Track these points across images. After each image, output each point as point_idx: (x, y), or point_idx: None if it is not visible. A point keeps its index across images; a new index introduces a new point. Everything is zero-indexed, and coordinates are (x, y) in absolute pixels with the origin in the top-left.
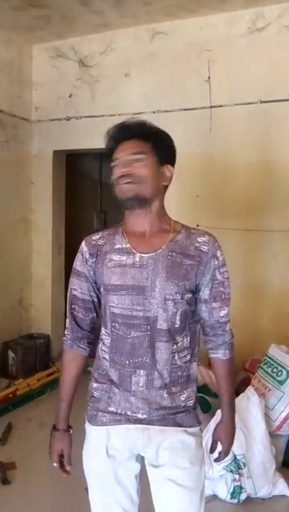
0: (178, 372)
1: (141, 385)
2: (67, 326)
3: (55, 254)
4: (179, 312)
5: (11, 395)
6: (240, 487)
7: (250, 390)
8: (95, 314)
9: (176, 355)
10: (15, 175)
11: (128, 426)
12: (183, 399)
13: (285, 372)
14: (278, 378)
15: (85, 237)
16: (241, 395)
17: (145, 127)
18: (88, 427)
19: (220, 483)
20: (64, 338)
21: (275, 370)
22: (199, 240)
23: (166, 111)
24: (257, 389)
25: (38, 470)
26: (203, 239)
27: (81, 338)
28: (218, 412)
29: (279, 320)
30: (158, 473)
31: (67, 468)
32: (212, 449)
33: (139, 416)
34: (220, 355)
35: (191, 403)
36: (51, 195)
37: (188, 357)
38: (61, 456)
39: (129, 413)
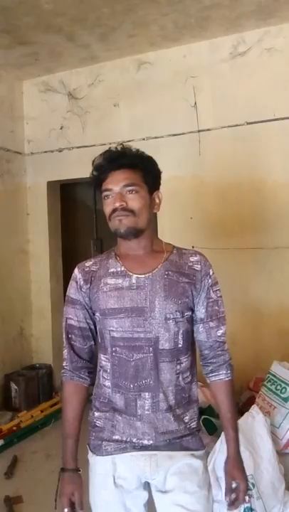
0: (181, 394)
1: (146, 408)
2: (64, 357)
3: (53, 283)
4: (181, 331)
5: (15, 428)
6: (251, 509)
7: (254, 409)
8: (93, 342)
9: (180, 376)
10: (11, 207)
11: (134, 453)
12: (186, 421)
13: (288, 389)
14: (282, 395)
15: (78, 265)
16: (246, 414)
17: (132, 156)
18: (92, 457)
19: None
20: (62, 370)
21: (278, 387)
22: (191, 259)
23: (155, 137)
24: (262, 407)
25: (45, 503)
26: (196, 258)
27: (81, 367)
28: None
29: (280, 337)
30: (166, 498)
31: None
32: (229, 490)
33: (145, 442)
34: (222, 375)
35: (194, 424)
36: (47, 225)
37: (190, 377)
38: (72, 499)
39: (134, 440)
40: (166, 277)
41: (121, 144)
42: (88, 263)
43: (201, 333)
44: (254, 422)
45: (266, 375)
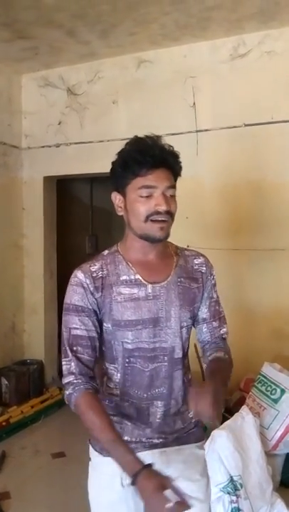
0: (185, 392)
1: (158, 416)
2: (71, 370)
3: (47, 278)
4: (188, 336)
5: (4, 423)
6: (238, 509)
7: (244, 410)
8: (97, 353)
9: (186, 379)
10: (6, 201)
11: (144, 453)
12: (190, 416)
13: (279, 390)
14: (272, 397)
15: (79, 268)
16: (236, 415)
17: (172, 155)
18: (98, 457)
19: (217, 505)
20: (71, 386)
21: (269, 388)
22: (196, 261)
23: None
24: (252, 408)
25: (33, 499)
26: (200, 260)
27: (91, 378)
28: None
29: (271, 338)
30: None
31: (186, 499)
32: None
33: (155, 441)
34: (221, 354)
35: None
36: (42, 221)
37: (189, 375)
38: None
39: (144, 440)
40: (179, 285)
41: (154, 135)
42: (94, 267)
43: (204, 333)
44: (243, 423)
45: (257, 376)
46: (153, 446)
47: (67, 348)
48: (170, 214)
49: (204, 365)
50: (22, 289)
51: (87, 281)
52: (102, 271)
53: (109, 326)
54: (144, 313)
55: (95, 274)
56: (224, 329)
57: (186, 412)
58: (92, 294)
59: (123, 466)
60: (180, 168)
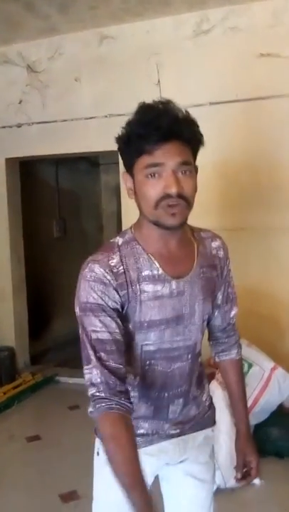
0: (199, 379)
1: (178, 412)
2: (92, 381)
3: (14, 264)
4: (205, 327)
5: None
6: None
7: (214, 384)
8: (124, 358)
9: (200, 367)
10: None
11: (162, 444)
12: (204, 399)
13: (246, 364)
14: None
15: (94, 261)
16: None
17: (188, 126)
18: None
19: None
20: (91, 404)
21: None
22: (213, 245)
23: (118, 115)
24: (221, 383)
25: (7, 484)
26: (217, 244)
27: (121, 392)
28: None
29: (247, 318)
30: (177, 469)
31: None
32: (241, 466)
33: (172, 432)
34: (233, 355)
35: (209, 400)
36: (6, 204)
37: (200, 359)
38: None
39: (161, 432)
40: (202, 276)
41: (165, 99)
42: (112, 261)
43: (216, 319)
44: (214, 397)
45: None
46: (170, 436)
47: (90, 352)
48: (183, 198)
49: (216, 359)
50: None
51: (108, 277)
52: (121, 265)
53: (130, 327)
54: (168, 312)
55: (115, 270)
56: (233, 312)
57: (200, 396)
58: (115, 290)
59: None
60: (199, 138)
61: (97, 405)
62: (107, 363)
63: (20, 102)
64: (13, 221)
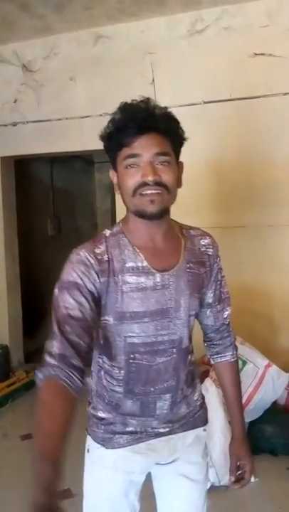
0: (189, 377)
1: (165, 408)
2: (50, 351)
3: (9, 262)
4: (194, 323)
5: None
6: None
7: (208, 382)
8: (90, 340)
9: (190, 365)
10: None
11: (150, 442)
12: (195, 398)
13: (240, 362)
14: None
15: (82, 247)
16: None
17: (164, 119)
18: (99, 449)
19: None
20: (43, 367)
21: None
22: (202, 242)
23: (113, 114)
24: (215, 380)
25: (3, 481)
26: (206, 241)
27: (74, 367)
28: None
29: (241, 315)
30: (169, 468)
31: None
32: (234, 470)
33: (161, 430)
34: (228, 357)
35: (200, 399)
36: (1, 203)
37: (193, 356)
38: None
39: (149, 430)
40: (188, 271)
41: (145, 98)
42: (98, 249)
43: (208, 318)
44: (207, 394)
45: None
46: (159, 435)
47: (55, 327)
48: (162, 185)
49: (211, 361)
50: None
51: (92, 261)
52: (106, 255)
53: (111, 319)
54: (151, 305)
55: (100, 257)
56: (227, 312)
57: (191, 395)
58: (96, 273)
59: (35, 486)
60: (178, 132)
61: (45, 370)
62: (70, 337)
63: (15, 101)
64: (8, 219)
